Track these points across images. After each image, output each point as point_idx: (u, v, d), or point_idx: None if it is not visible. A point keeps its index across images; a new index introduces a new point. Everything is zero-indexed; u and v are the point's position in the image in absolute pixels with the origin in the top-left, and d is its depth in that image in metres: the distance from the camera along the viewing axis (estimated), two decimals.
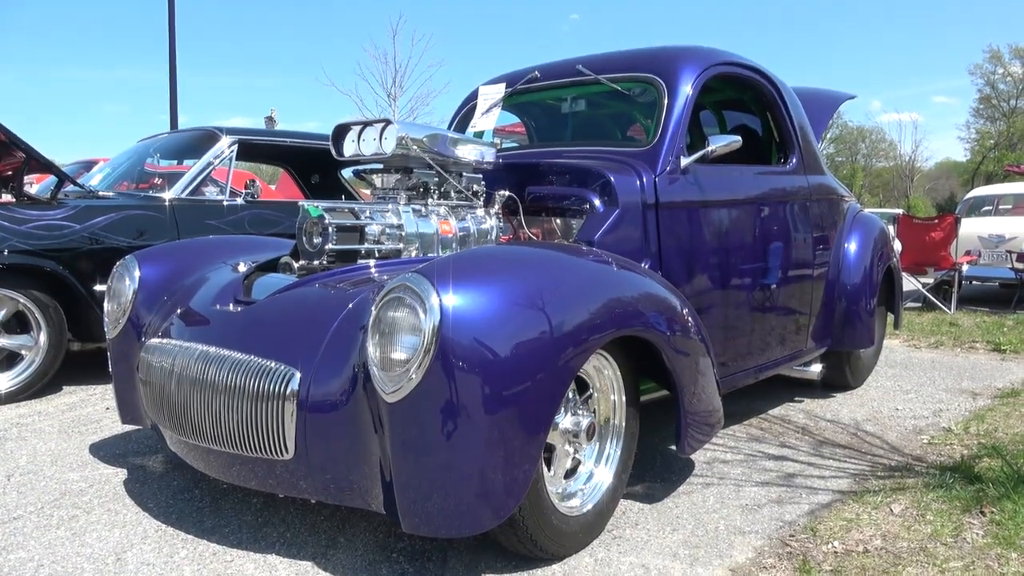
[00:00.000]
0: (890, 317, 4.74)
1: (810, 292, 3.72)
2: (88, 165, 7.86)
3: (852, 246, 4.08)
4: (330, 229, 2.39)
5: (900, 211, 17.51)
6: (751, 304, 3.29)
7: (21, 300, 3.82)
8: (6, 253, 3.71)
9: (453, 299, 1.79)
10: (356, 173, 2.82)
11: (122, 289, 2.70)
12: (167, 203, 4.35)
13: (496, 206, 2.96)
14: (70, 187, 4.55)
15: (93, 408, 3.73)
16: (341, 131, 2.73)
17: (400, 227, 2.59)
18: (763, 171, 3.51)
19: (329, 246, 2.40)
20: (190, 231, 4.32)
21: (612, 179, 2.81)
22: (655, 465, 2.87)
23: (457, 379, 1.74)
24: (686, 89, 3.06)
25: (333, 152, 2.71)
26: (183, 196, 4.43)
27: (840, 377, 4.18)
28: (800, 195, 3.65)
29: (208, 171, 4.59)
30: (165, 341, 2.34)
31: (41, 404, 3.80)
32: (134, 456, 2.96)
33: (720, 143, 2.95)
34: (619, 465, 2.30)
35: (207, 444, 2.14)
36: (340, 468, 1.94)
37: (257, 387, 1.98)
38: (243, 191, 4.69)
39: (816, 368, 3.92)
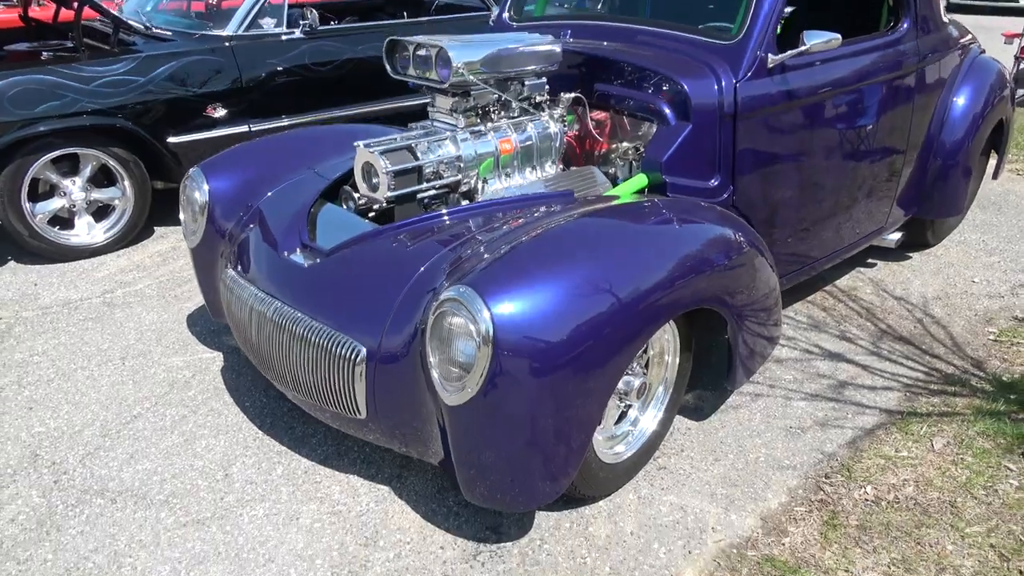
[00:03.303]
0: (991, 166, 4.39)
1: (903, 159, 3.47)
2: None
3: (960, 100, 3.69)
4: (387, 177, 2.34)
5: None
6: (836, 195, 3.13)
7: (102, 156, 3.95)
8: (75, 115, 3.76)
9: (504, 307, 1.82)
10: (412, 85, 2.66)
11: (194, 201, 2.78)
12: (227, 44, 4.20)
13: (561, 107, 2.78)
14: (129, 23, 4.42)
15: (184, 260, 4.01)
16: (394, 47, 2.54)
17: (459, 157, 2.51)
18: (864, 47, 3.09)
19: (388, 194, 2.37)
20: (252, 72, 4.23)
21: (687, 88, 2.58)
22: (710, 365, 2.98)
23: (514, 385, 1.83)
24: None
25: (388, 69, 2.54)
26: (242, 33, 4.26)
27: (920, 238, 4.02)
28: (908, 67, 3.25)
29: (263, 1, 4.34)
30: (242, 281, 2.47)
31: (137, 254, 4.10)
32: (225, 335, 3.25)
33: (817, 40, 2.61)
34: (666, 412, 2.43)
35: (288, 391, 2.35)
36: (407, 428, 2.13)
37: (327, 356, 2.13)
38: (301, 21, 4.45)
39: (894, 236, 3.77)
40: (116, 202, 4.09)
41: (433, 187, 2.50)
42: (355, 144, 2.43)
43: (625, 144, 2.81)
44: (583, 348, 1.87)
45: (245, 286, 2.44)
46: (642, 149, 2.74)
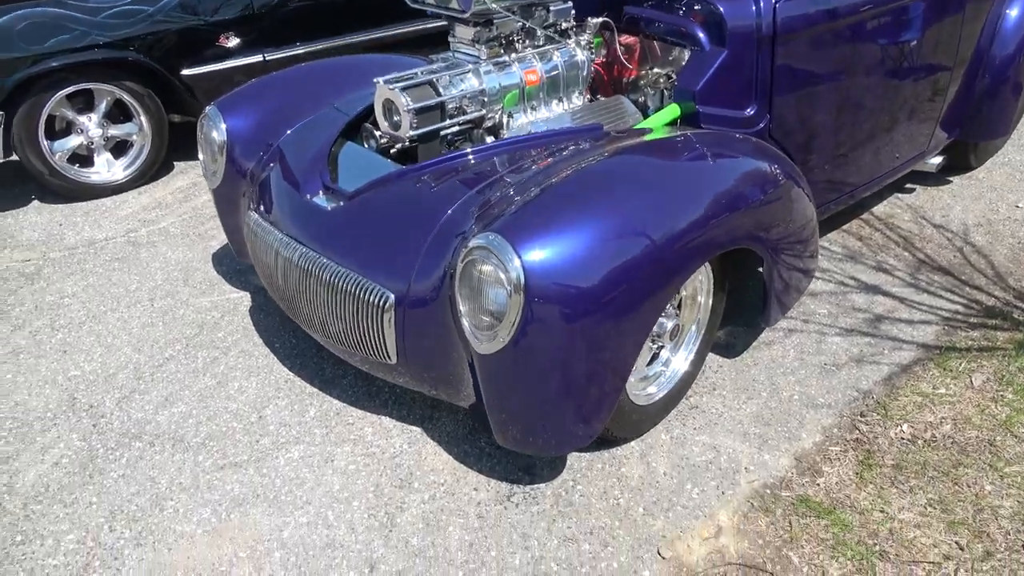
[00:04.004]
0: None
1: (948, 79, 3.28)
2: None
3: (1014, 11, 3.46)
4: (409, 115, 2.25)
5: None
6: (877, 119, 2.99)
7: (116, 91, 3.86)
8: (87, 49, 3.66)
9: (535, 254, 1.76)
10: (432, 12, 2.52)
11: (212, 141, 2.72)
12: None
13: (588, 33, 2.64)
14: None
15: (206, 196, 3.97)
16: None
17: (482, 91, 2.40)
18: None
19: (410, 133, 2.28)
20: None
21: (722, 9, 2.44)
22: (743, 300, 2.92)
23: (546, 333, 1.79)
24: None
25: None
26: None
27: (962, 161, 3.86)
28: None
29: None
30: (266, 224, 2.42)
31: (159, 190, 4.06)
32: (251, 274, 3.24)
33: None
34: (698, 352, 2.39)
35: (317, 335, 2.34)
36: (437, 373, 2.12)
37: (356, 302, 2.10)
38: None
39: (936, 160, 3.62)
40: (134, 138, 4.03)
41: (456, 123, 2.40)
42: (375, 80, 2.33)
43: (656, 71, 2.68)
44: (616, 294, 1.82)
45: (270, 230, 2.40)
46: (674, 77, 2.61)
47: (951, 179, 3.88)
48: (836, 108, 2.79)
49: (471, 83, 2.40)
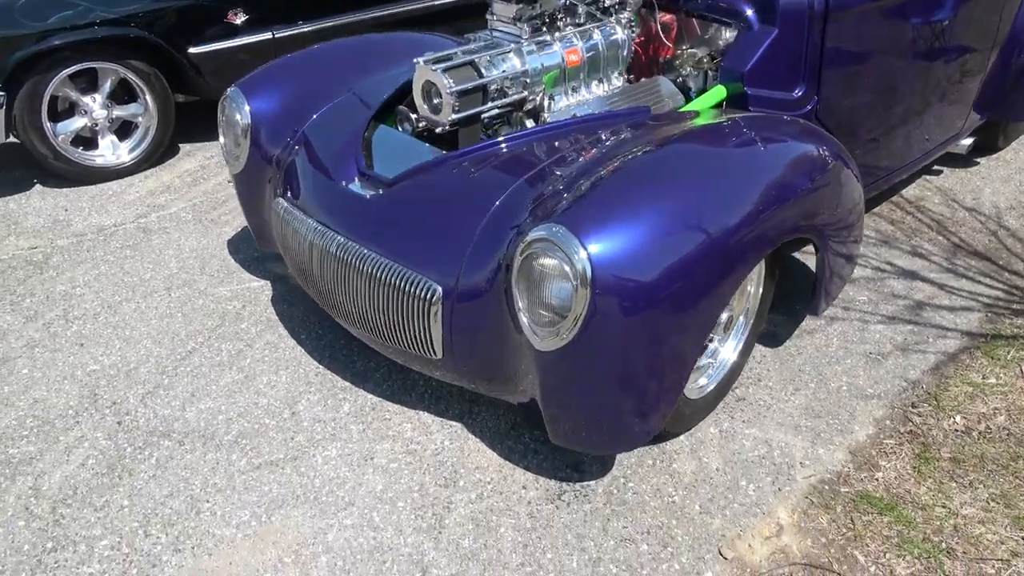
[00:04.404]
0: None
1: (985, 58, 3.21)
2: None
3: None
4: (451, 97, 2.14)
5: None
6: (921, 100, 2.92)
7: (120, 70, 3.71)
8: (90, 26, 3.50)
9: (601, 246, 1.68)
10: None
11: (235, 124, 2.60)
12: None
13: (628, 10, 2.53)
14: None
15: (216, 180, 3.84)
16: None
17: (524, 72, 2.29)
18: None
19: (452, 117, 2.17)
20: None
21: None
22: (782, 287, 2.84)
23: (612, 328, 1.71)
24: None
25: None
26: None
27: (991, 142, 3.79)
28: None
29: None
30: (297, 212, 2.31)
31: (166, 174, 3.92)
32: (271, 262, 3.13)
33: None
34: (746, 342, 2.32)
35: (354, 328, 2.25)
36: (486, 369, 2.03)
37: (400, 295, 2.01)
38: None
39: (967, 141, 3.55)
40: (139, 119, 3.88)
41: (497, 106, 2.30)
42: (415, 61, 2.22)
43: (695, 51, 2.58)
44: (681, 287, 1.74)
45: (302, 218, 2.29)
46: (717, 57, 2.51)
47: (978, 160, 3.82)
48: (880, 89, 2.71)
49: (513, 63, 2.29)
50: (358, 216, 2.16)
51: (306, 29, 4.09)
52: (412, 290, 1.98)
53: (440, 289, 1.96)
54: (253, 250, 3.21)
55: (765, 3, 2.35)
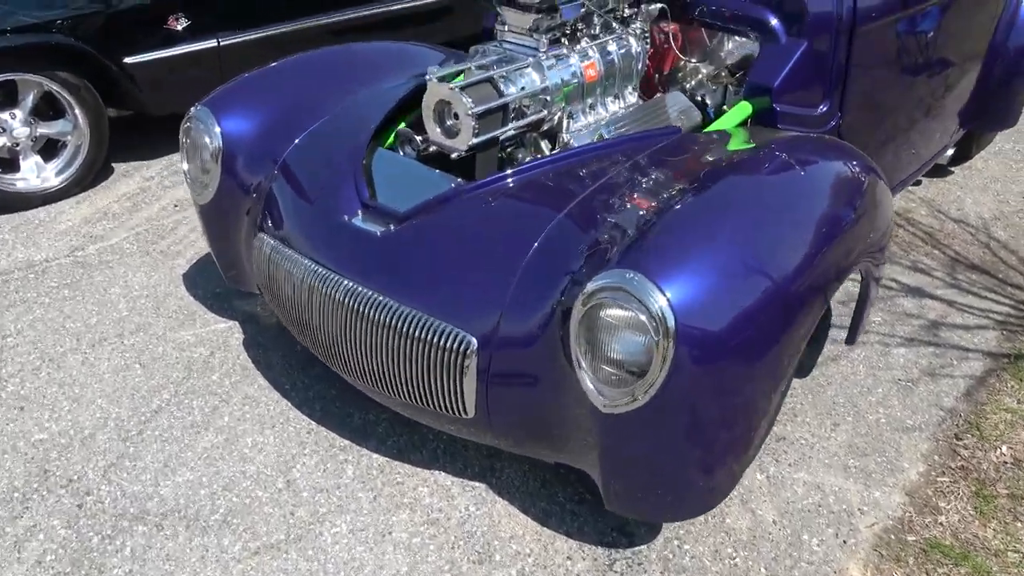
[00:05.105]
0: None
1: (974, 70, 3.18)
2: None
3: None
4: (472, 119, 1.88)
5: None
6: (925, 113, 2.85)
7: (44, 82, 3.27)
8: (8, 32, 3.07)
9: (680, 294, 1.46)
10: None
11: (202, 148, 2.26)
12: None
13: (641, 20, 2.34)
14: None
15: (160, 204, 3.44)
16: None
17: (544, 89, 2.06)
18: None
19: (472, 141, 1.92)
20: None
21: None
22: None
23: (697, 385, 1.50)
24: None
25: None
26: None
27: (965, 152, 3.79)
28: None
29: None
30: (287, 251, 2.01)
31: (101, 198, 3.49)
32: (238, 299, 2.78)
33: None
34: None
35: (365, 385, 1.96)
36: (527, 429, 1.79)
37: (425, 348, 1.74)
38: None
39: (949, 152, 3.53)
40: (67, 137, 3.43)
41: (517, 128, 2.06)
42: (428, 78, 1.95)
43: (713, 64, 2.41)
44: (767, 333, 1.55)
45: (295, 258, 1.98)
46: (736, 71, 2.35)
47: (953, 169, 3.82)
48: (892, 104, 2.62)
49: (532, 79, 2.05)
50: (367, 256, 1.88)
51: (255, 36, 3.73)
52: (441, 342, 1.72)
53: (475, 341, 1.70)
54: (214, 286, 2.85)
55: (793, 14, 2.20)
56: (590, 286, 1.51)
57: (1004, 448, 2.21)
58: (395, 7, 4.13)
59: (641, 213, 1.70)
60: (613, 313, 1.50)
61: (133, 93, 3.52)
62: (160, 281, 2.90)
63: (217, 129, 2.23)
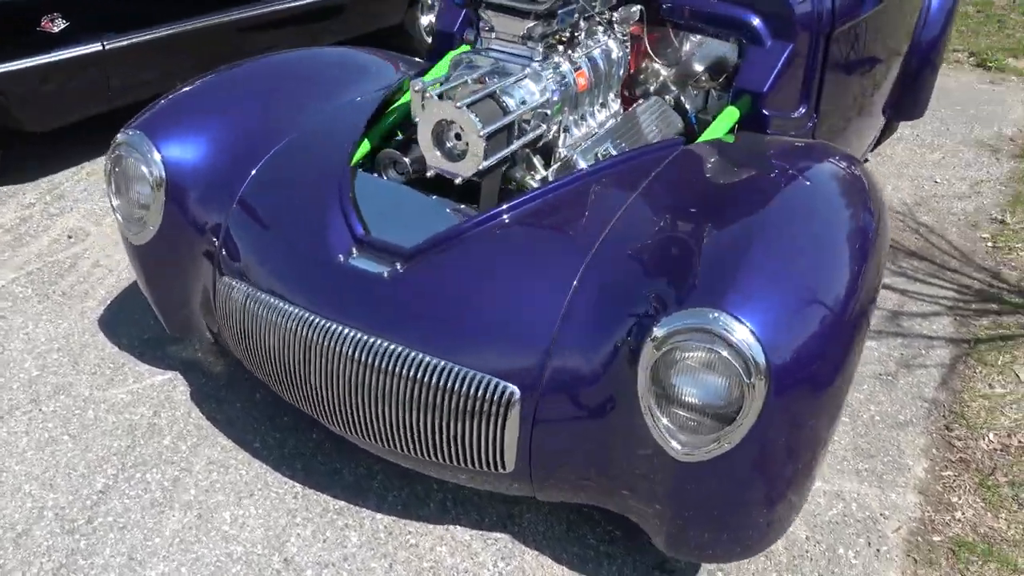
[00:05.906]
0: None
1: (899, 63, 3.31)
2: None
3: None
4: (481, 140, 1.68)
5: None
6: (868, 109, 2.93)
7: None
8: None
9: (770, 333, 1.35)
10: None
11: (138, 178, 1.92)
12: None
13: (623, 24, 2.21)
14: None
15: (48, 236, 2.96)
16: None
17: (545, 102, 1.89)
18: None
19: (482, 165, 1.72)
20: None
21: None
22: None
23: (782, 425, 1.41)
24: None
25: None
26: None
27: (881, 140, 3.97)
28: None
29: None
30: (267, 298, 1.73)
31: None
32: (170, 345, 2.42)
33: None
34: None
35: (375, 444, 1.73)
36: (572, 481, 1.64)
37: (458, 401, 1.55)
38: None
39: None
40: None
41: (520, 147, 1.87)
42: (428, 95, 1.72)
43: (693, 68, 2.33)
44: (842, 364, 1.47)
45: (279, 306, 1.71)
46: (718, 75, 2.29)
47: (867, 159, 3.99)
48: (848, 102, 2.65)
49: (531, 92, 1.87)
50: (374, 302, 1.64)
51: (147, 38, 3.30)
52: (477, 392, 1.53)
53: (517, 390, 1.53)
54: (140, 331, 2.48)
55: (779, 15, 2.15)
56: (664, 328, 1.38)
57: (991, 436, 2.29)
58: (290, 5, 3.79)
59: (687, 241, 1.58)
60: (694, 355, 1.37)
61: (4, 107, 3.01)
62: (71, 330, 2.48)
63: (157, 157, 1.89)
